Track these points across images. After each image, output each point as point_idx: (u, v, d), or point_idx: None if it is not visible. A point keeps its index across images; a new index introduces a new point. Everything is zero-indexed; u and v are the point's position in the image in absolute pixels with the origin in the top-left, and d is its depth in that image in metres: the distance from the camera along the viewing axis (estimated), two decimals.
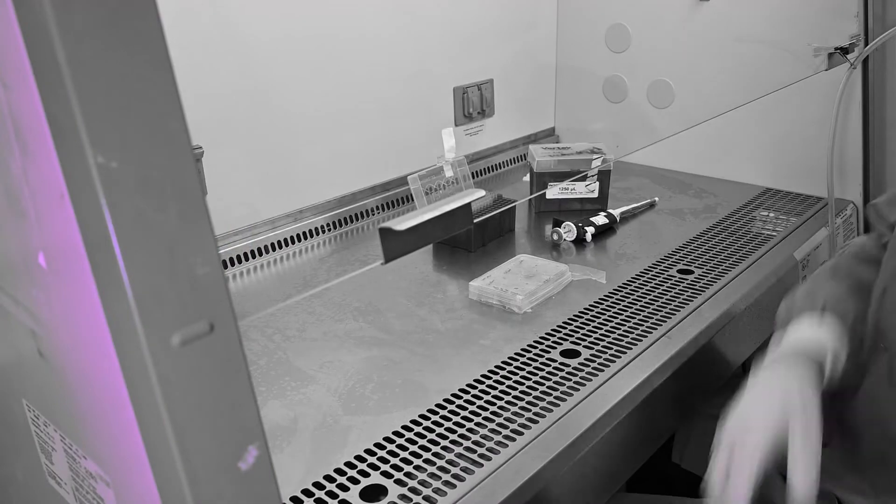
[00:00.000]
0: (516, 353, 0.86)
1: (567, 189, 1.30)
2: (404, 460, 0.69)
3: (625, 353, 0.85)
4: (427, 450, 0.71)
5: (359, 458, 0.70)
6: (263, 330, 0.95)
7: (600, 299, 0.98)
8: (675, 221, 1.26)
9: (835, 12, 1.25)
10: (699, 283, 1.02)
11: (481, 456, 0.69)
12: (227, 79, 1.09)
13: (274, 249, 1.19)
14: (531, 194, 1.33)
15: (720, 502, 0.66)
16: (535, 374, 0.82)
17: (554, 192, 1.29)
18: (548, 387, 0.79)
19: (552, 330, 0.91)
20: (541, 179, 1.29)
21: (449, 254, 1.16)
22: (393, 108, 1.34)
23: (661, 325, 0.91)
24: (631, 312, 0.94)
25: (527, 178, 1.47)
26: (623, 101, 1.55)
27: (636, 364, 0.83)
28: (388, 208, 1.37)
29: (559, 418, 0.74)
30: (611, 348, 0.86)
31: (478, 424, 0.74)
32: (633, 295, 0.99)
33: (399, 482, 0.67)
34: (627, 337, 0.89)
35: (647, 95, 1.51)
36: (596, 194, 1.30)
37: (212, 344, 0.33)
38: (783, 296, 0.86)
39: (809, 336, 0.76)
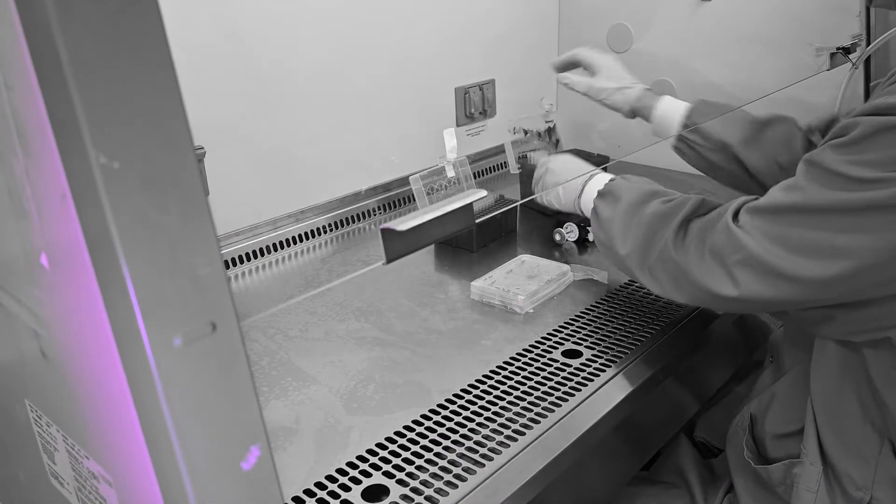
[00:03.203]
0: (518, 354, 0.86)
1: None
2: (406, 460, 0.69)
3: (627, 353, 0.85)
4: (429, 450, 0.71)
5: (361, 458, 0.70)
6: (265, 330, 0.95)
7: (602, 299, 0.98)
8: None
9: (836, 12, 1.24)
10: None
11: (483, 456, 0.69)
12: (228, 79, 1.10)
13: (276, 250, 1.20)
14: (528, 195, 1.32)
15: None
16: (537, 375, 0.82)
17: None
18: (549, 387, 0.79)
19: (554, 330, 0.91)
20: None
21: (450, 254, 1.16)
22: (394, 109, 1.34)
23: (663, 324, 0.91)
24: (633, 313, 0.94)
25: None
26: None
27: (638, 364, 0.83)
28: (390, 209, 1.37)
29: (561, 418, 0.74)
30: (612, 348, 0.86)
31: (479, 425, 0.74)
32: (635, 295, 0.99)
33: (401, 482, 0.67)
34: (629, 337, 0.89)
35: None
36: None
37: (214, 344, 0.33)
38: None
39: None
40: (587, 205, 0.93)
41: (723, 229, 0.71)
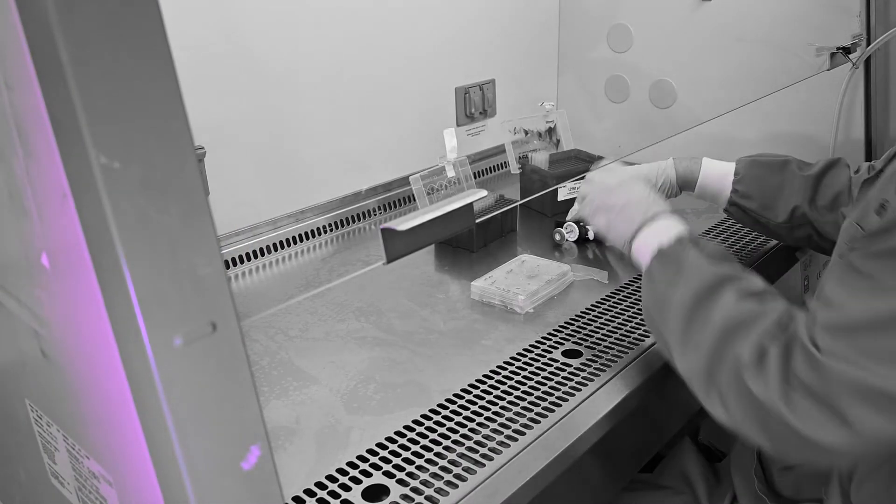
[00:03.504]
0: (518, 354, 0.86)
1: (575, 189, 1.30)
2: (406, 460, 0.69)
3: (627, 353, 0.85)
4: (429, 450, 0.71)
5: (361, 458, 0.70)
6: (265, 330, 0.95)
7: (602, 299, 0.98)
8: None
9: (836, 12, 1.24)
10: None
11: (483, 456, 0.69)
12: (229, 79, 1.10)
13: (276, 250, 1.20)
14: (529, 195, 1.32)
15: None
16: (537, 375, 0.82)
17: (564, 192, 1.29)
18: (550, 387, 0.79)
19: (554, 330, 0.91)
20: (535, 179, 1.29)
21: (451, 254, 1.16)
22: (394, 109, 1.34)
23: None
24: (633, 312, 0.94)
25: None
26: (625, 101, 1.55)
27: (638, 364, 0.83)
28: (390, 209, 1.37)
29: (561, 418, 0.74)
30: (613, 348, 0.86)
31: (480, 424, 0.74)
32: (635, 295, 0.99)
33: (401, 482, 0.67)
34: (629, 337, 0.89)
35: (648, 95, 1.51)
36: None
37: (214, 344, 0.33)
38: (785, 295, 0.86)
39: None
40: (639, 253, 0.77)
41: (806, 362, 0.56)
